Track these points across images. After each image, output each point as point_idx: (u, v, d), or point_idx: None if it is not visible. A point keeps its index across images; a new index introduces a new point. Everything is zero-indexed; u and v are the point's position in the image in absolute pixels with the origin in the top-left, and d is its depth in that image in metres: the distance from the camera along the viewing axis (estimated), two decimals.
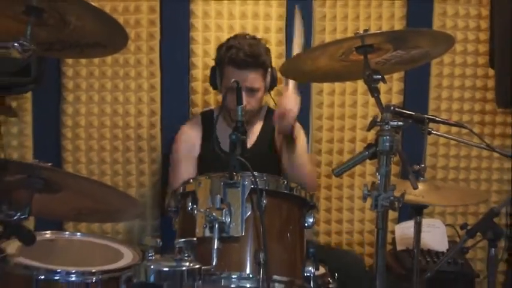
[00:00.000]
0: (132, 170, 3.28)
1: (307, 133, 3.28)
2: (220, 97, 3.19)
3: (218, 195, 2.02)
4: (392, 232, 3.29)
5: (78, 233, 2.80)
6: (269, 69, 2.90)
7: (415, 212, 2.59)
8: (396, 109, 2.12)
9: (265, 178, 2.08)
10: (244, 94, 2.68)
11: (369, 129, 2.07)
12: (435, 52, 2.36)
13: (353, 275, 2.83)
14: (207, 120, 3.05)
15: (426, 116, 2.49)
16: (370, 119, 2.07)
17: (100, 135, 3.26)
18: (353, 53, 2.19)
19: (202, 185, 2.09)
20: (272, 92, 3.03)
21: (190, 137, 3.03)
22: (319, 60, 2.32)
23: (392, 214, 2.89)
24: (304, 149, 2.92)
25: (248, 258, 2.02)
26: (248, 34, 2.97)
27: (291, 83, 2.78)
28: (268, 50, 2.93)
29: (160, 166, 3.29)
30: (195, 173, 2.98)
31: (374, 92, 2.10)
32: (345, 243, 3.40)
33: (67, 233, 2.82)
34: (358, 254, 3.32)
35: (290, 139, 2.75)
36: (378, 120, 2.01)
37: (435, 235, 3.22)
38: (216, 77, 2.92)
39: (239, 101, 2.14)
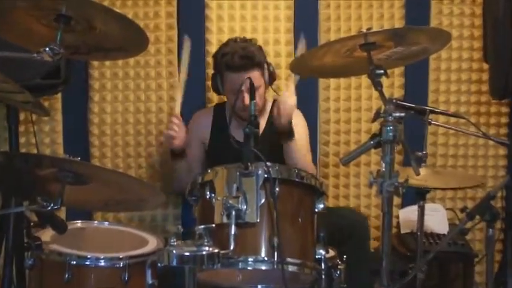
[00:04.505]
0: (154, 163, 3.27)
1: (314, 126, 3.28)
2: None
3: (234, 184, 2.01)
4: (397, 216, 3.27)
5: (106, 222, 2.82)
6: (265, 66, 2.86)
7: (418, 196, 2.57)
8: (398, 102, 2.11)
9: (277, 167, 2.07)
10: (246, 94, 2.69)
11: (373, 121, 2.06)
12: (433, 48, 2.34)
13: (357, 233, 2.85)
14: (219, 112, 3.05)
15: (427, 107, 2.47)
16: (374, 111, 2.06)
17: (124, 131, 3.25)
18: (357, 50, 2.17)
19: (219, 175, 2.08)
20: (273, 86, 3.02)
21: (200, 124, 3.05)
22: (325, 57, 2.31)
23: (396, 200, 2.87)
24: (303, 141, 2.93)
25: (263, 243, 2.02)
26: (238, 37, 2.92)
27: (293, 82, 2.78)
28: (260, 49, 2.88)
29: None
30: (203, 157, 3.03)
31: (377, 85, 2.09)
32: None
33: (96, 222, 2.82)
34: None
35: (289, 134, 2.77)
36: (382, 112, 2.00)
37: (436, 218, 3.20)
38: (217, 83, 2.90)
39: (252, 97, 2.13)
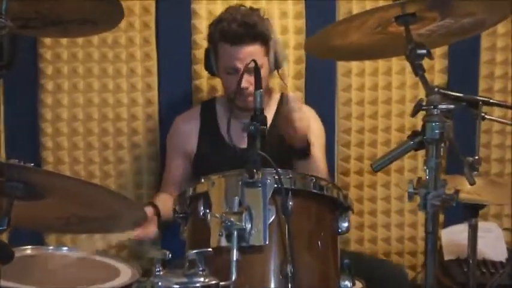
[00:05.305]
0: (126, 170, 3.30)
1: (332, 122, 3.31)
2: None
3: (236, 197, 2.01)
4: (439, 238, 3.28)
5: (64, 248, 2.80)
6: (271, 43, 2.89)
7: (469, 213, 2.57)
8: (445, 91, 2.11)
9: (290, 176, 2.08)
10: (245, 74, 2.69)
11: (413, 115, 2.05)
12: (491, 20, 2.35)
13: None
14: (207, 112, 3.09)
15: (478, 97, 2.47)
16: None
17: (86, 130, 3.27)
18: (391, 24, 2.18)
19: (216, 185, 2.08)
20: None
21: (184, 131, 3.09)
22: (348, 34, 2.32)
23: None
24: (320, 153, 2.96)
25: (273, 271, 2.02)
26: (243, 5, 2.96)
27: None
28: (267, 21, 2.91)
29: (159, 164, 3.30)
30: (188, 173, 3.06)
31: (418, 69, 2.08)
32: (380, 253, 3.41)
33: (50, 247, 2.82)
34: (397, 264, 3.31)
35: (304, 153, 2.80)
36: (424, 103, 2.01)
37: (491, 241, 3.21)
38: (211, 60, 2.93)
39: (257, 85, 2.12)
